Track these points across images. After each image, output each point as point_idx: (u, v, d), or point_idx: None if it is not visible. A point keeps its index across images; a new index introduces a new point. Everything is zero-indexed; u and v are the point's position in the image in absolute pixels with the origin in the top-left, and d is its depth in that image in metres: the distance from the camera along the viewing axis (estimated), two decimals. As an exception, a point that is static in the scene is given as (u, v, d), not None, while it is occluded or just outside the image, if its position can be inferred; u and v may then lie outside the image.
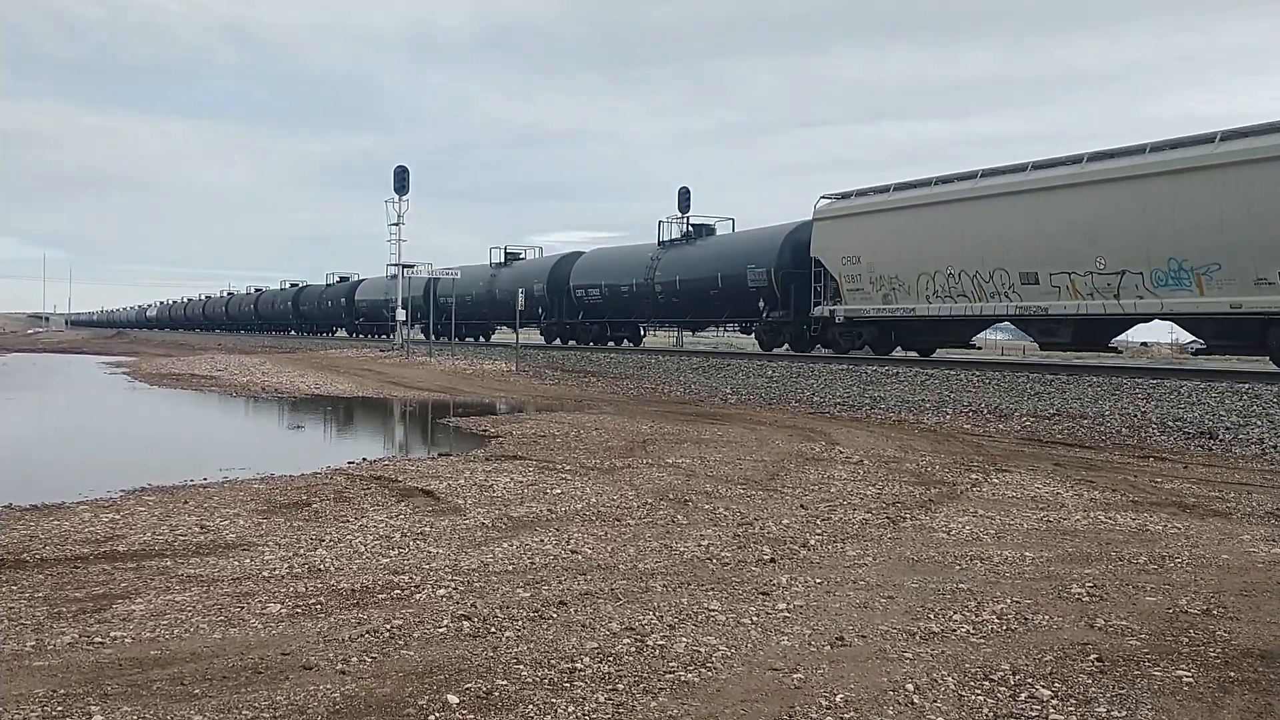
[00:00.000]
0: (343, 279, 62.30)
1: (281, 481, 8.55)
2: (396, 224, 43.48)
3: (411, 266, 43.92)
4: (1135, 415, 12.51)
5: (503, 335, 46.77)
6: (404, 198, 43.51)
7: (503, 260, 42.17)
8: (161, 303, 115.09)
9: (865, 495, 7.80)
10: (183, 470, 9.15)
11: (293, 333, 66.67)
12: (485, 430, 12.99)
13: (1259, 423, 11.51)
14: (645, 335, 37.22)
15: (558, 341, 37.30)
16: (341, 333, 59.89)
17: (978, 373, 17.42)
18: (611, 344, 34.72)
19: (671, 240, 31.83)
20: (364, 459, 10.20)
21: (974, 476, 8.73)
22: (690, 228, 31.34)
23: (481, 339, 45.15)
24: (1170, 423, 11.90)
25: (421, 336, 44.68)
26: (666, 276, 30.40)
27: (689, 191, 39.74)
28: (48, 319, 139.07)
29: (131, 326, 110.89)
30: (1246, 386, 13.71)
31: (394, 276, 46.31)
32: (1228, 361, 21.59)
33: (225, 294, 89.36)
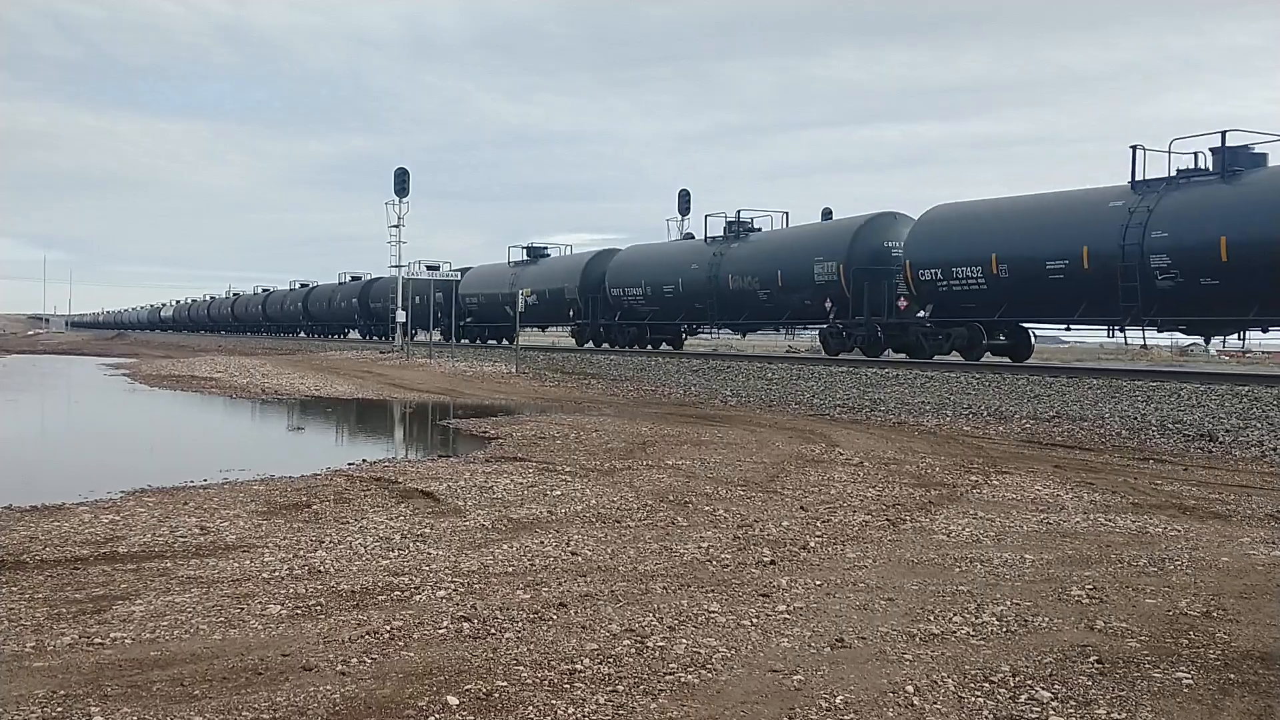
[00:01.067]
0: (430, 269, 42.27)
1: (281, 483, 8.55)
2: (397, 226, 43.49)
3: (543, 251, 38.19)
4: (1135, 417, 12.51)
5: (699, 343, 35.10)
6: (404, 199, 43.51)
7: (727, 233, 28.99)
8: (178, 302, 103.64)
9: (865, 497, 7.80)
10: (183, 471, 9.14)
11: (356, 335, 53.58)
12: (485, 432, 12.99)
13: (1259, 425, 11.51)
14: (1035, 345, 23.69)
15: (891, 354, 23.55)
16: (425, 335, 43.23)
17: (977, 375, 17.41)
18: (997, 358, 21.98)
19: (1161, 179, 17.90)
20: (364, 460, 10.20)
21: (974, 479, 8.73)
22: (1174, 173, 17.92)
23: (666, 345, 32.24)
24: (1170, 425, 11.90)
25: (572, 341, 36.34)
26: (1169, 241, 17.13)
27: (689, 194, 39.91)
28: (48, 320, 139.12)
29: (144, 328, 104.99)
30: (1246, 389, 13.71)
31: (518, 262, 38.93)
32: (1228, 363, 21.48)
33: (261, 290, 75.23)
